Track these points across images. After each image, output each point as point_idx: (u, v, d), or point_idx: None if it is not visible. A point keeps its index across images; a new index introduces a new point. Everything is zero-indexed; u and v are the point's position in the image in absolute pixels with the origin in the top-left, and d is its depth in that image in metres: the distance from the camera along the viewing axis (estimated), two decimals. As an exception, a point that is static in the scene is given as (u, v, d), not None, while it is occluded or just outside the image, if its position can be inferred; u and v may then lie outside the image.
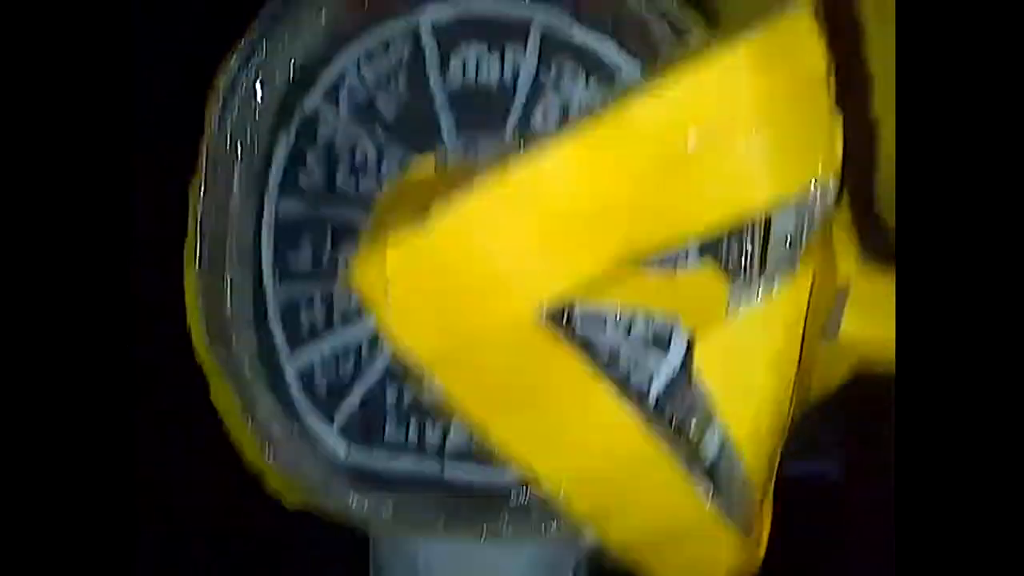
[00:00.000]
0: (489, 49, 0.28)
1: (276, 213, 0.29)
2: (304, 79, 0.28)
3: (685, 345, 0.28)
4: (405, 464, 0.29)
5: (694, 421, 0.27)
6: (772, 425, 0.24)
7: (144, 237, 0.28)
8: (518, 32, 0.28)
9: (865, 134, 0.32)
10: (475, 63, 0.28)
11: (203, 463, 0.41)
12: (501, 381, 0.23)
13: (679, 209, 0.22)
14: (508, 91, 0.28)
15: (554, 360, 0.23)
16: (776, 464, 0.25)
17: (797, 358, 0.23)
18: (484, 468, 0.28)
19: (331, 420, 0.29)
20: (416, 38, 0.28)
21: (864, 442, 0.66)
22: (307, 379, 0.29)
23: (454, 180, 0.24)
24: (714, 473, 0.25)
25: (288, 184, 0.29)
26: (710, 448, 0.26)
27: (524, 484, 0.27)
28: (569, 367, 0.23)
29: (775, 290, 0.23)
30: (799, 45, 0.22)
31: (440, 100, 0.28)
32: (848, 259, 0.26)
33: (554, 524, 0.27)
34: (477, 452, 0.27)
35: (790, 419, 0.24)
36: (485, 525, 0.28)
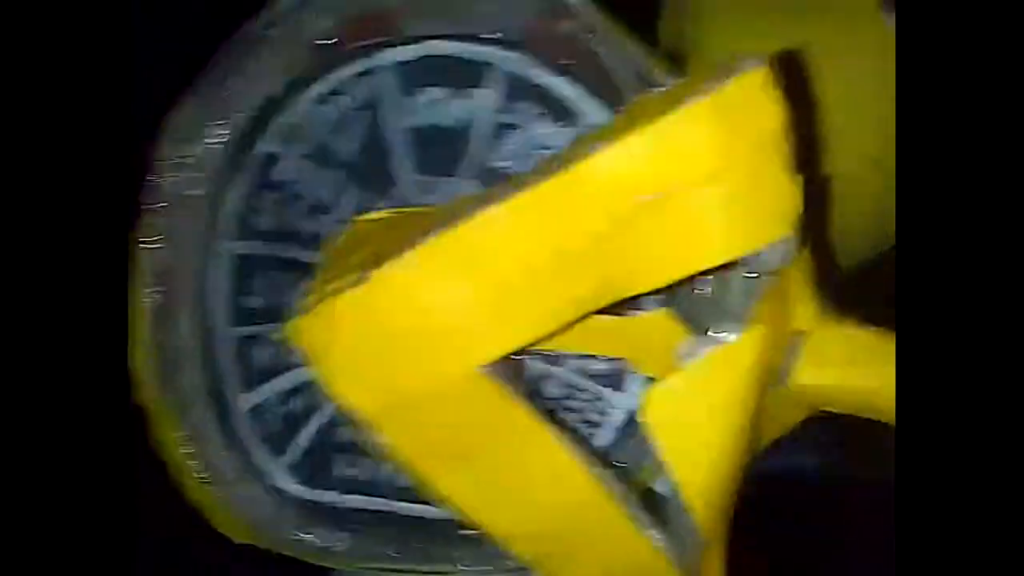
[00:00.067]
0: (449, 90, 0.27)
1: (230, 253, 0.28)
2: (260, 120, 0.28)
3: (643, 381, 0.28)
4: (356, 500, 0.29)
5: (650, 460, 0.26)
6: (722, 472, 0.23)
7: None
8: (478, 74, 0.27)
9: (820, 186, 0.32)
10: (435, 104, 0.28)
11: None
12: (445, 435, 0.23)
13: (631, 266, 0.22)
14: (467, 132, 0.28)
15: (499, 413, 0.23)
16: (730, 510, 0.25)
17: (749, 406, 0.23)
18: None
19: (281, 457, 0.29)
20: (376, 80, 0.28)
21: (864, 442, 0.66)
22: (258, 417, 0.29)
23: (406, 226, 0.23)
24: (666, 516, 0.25)
25: (242, 224, 0.28)
26: (663, 488, 0.25)
27: None
28: (514, 419, 0.23)
29: (728, 338, 0.23)
30: (755, 102, 0.21)
31: (399, 142, 0.28)
32: (804, 306, 0.25)
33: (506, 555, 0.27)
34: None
35: (741, 466, 0.24)
36: (439, 557, 0.28)
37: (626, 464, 0.28)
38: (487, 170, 0.28)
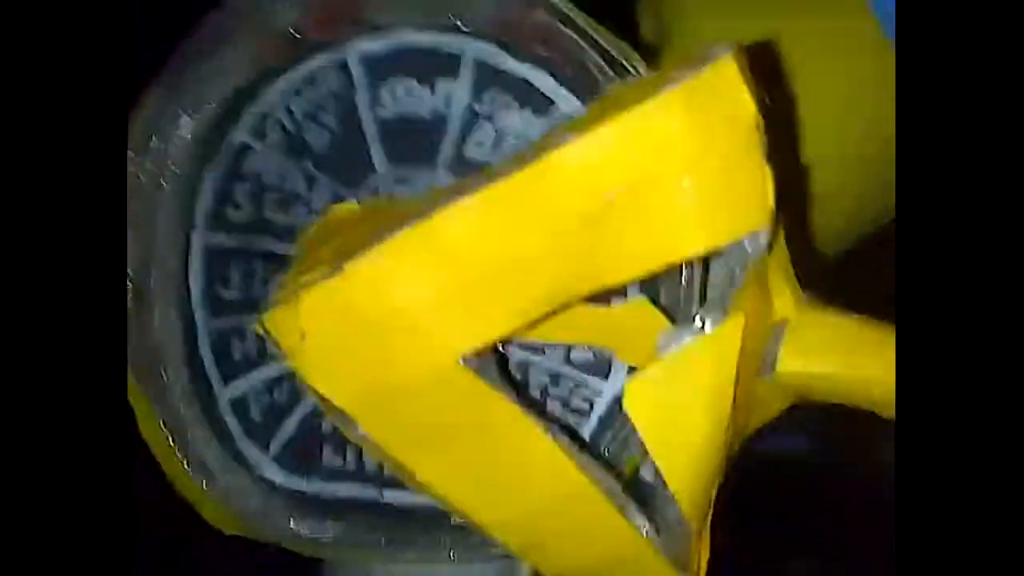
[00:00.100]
0: (420, 81, 0.27)
1: (205, 246, 0.28)
2: (231, 112, 0.27)
3: (627, 369, 0.28)
4: (343, 489, 0.29)
5: (636, 448, 0.27)
6: (706, 461, 0.23)
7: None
8: (450, 63, 0.27)
9: (799, 174, 0.32)
10: (407, 95, 0.27)
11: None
12: (423, 426, 0.23)
13: (604, 259, 0.22)
14: (441, 123, 0.27)
15: (477, 404, 0.22)
16: (713, 499, 0.24)
17: (731, 395, 0.23)
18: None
19: (267, 448, 0.29)
20: (346, 70, 0.27)
21: (864, 441, 0.66)
22: (241, 408, 0.29)
23: (379, 218, 0.23)
24: (652, 504, 0.25)
25: (216, 217, 0.28)
26: (648, 475, 0.25)
27: None
28: (494, 409, 0.23)
29: (709, 327, 0.23)
30: (728, 90, 0.21)
31: (371, 132, 0.27)
32: (785, 296, 0.25)
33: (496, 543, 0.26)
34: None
35: (726, 455, 0.24)
36: (427, 545, 0.28)
37: (612, 452, 0.28)
38: (461, 161, 0.27)
